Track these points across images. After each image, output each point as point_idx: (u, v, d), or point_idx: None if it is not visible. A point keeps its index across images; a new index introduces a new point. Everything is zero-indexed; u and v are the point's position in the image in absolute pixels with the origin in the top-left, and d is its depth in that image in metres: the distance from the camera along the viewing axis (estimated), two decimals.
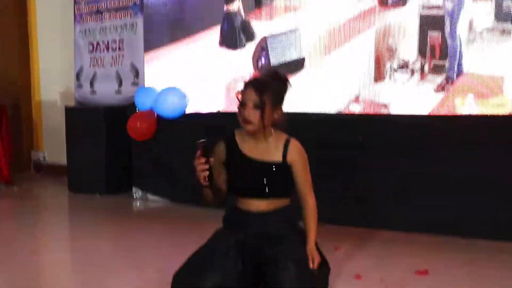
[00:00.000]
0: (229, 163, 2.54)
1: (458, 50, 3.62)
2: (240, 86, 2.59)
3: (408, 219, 3.67)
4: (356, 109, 3.94)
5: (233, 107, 4.18)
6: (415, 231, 3.62)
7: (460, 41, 3.61)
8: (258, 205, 2.59)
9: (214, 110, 4.53)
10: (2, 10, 6.06)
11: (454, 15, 3.61)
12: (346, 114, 3.97)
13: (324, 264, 2.63)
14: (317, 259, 2.55)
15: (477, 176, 3.49)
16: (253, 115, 2.36)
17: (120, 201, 4.85)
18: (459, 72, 3.61)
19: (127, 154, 4.88)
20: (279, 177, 2.52)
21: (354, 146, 3.83)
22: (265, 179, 2.52)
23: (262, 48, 4.35)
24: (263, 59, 4.35)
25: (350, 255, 3.20)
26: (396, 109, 3.82)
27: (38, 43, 6.21)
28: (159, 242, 3.59)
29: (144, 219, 4.44)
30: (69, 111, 5.18)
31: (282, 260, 2.49)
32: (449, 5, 3.62)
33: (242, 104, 2.40)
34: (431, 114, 3.69)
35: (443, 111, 3.66)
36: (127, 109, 4.78)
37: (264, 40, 4.33)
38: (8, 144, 5.60)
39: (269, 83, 2.43)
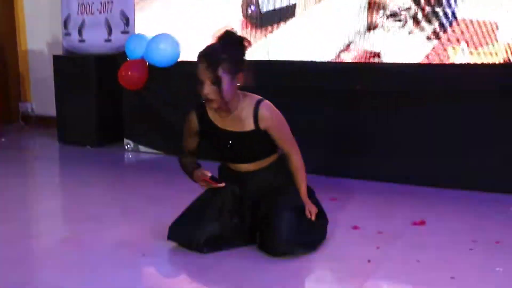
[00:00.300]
0: (203, 133, 2.50)
1: None
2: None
3: (402, 170, 3.63)
4: (348, 57, 3.82)
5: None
6: (410, 183, 3.58)
7: None
8: (247, 167, 2.56)
9: None
10: None
11: None
12: (338, 63, 3.84)
13: (322, 215, 2.60)
14: (313, 210, 2.52)
15: (471, 126, 3.45)
16: (212, 92, 2.26)
17: (111, 152, 4.77)
18: (453, 19, 3.51)
19: (118, 105, 4.76)
20: (256, 143, 2.47)
21: (348, 95, 3.75)
22: (242, 149, 2.47)
23: None
24: (252, 7, 4.18)
25: (346, 206, 3.16)
26: (388, 58, 3.71)
27: None
28: (152, 193, 3.52)
29: (136, 171, 4.38)
30: (57, 60, 5.01)
31: (278, 211, 2.45)
32: None
33: (199, 82, 2.29)
34: (423, 62, 3.59)
35: (435, 60, 3.56)
36: (118, 57, 4.63)
37: None
38: None
39: (222, 53, 2.26)
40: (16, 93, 6.12)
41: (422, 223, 2.86)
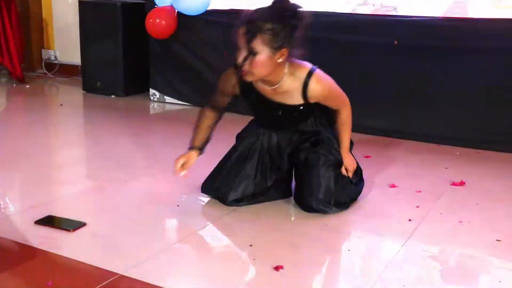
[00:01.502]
0: (245, 97, 2.34)
1: None
2: None
3: (441, 130, 3.52)
4: (365, 12, 3.67)
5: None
6: (448, 143, 3.47)
7: None
8: (287, 130, 2.47)
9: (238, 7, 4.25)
10: None
11: None
12: (359, 14, 3.67)
13: (358, 174, 2.51)
14: (350, 167, 2.42)
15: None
16: (249, 62, 2.02)
17: (137, 102, 4.68)
18: None
19: (145, 54, 4.64)
20: (305, 115, 2.37)
21: (371, 49, 3.60)
22: (290, 120, 2.36)
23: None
24: None
25: (381, 164, 3.06)
26: (406, 12, 3.56)
27: None
28: (179, 143, 3.43)
29: (162, 121, 4.31)
30: (83, 5, 4.87)
31: (314, 166, 2.36)
32: None
33: (238, 48, 2.07)
34: (444, 16, 3.45)
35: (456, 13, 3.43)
36: (146, 4, 4.49)
37: None
38: (20, 42, 5.38)
39: (266, 22, 2.00)
40: (39, 40, 6.01)
41: (462, 183, 2.76)
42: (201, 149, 2.45)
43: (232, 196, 2.41)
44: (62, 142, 3.61)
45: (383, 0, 3.64)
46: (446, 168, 3.05)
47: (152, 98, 4.68)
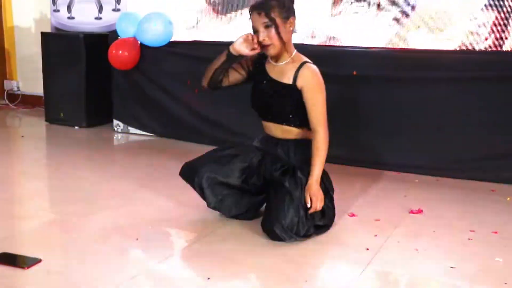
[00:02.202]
0: (254, 79, 2.60)
1: None
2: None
3: (398, 158, 3.59)
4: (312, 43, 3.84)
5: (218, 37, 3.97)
6: (405, 171, 3.55)
7: None
8: (275, 129, 2.57)
9: (200, 39, 4.31)
10: None
11: None
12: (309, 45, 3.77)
13: (328, 208, 2.51)
14: (314, 198, 2.42)
15: (467, 114, 3.42)
16: (268, 35, 2.39)
17: (100, 133, 4.66)
18: (414, 6, 3.62)
19: (108, 85, 4.64)
20: (287, 100, 2.48)
21: (325, 79, 3.68)
22: (273, 99, 2.50)
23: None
24: None
25: (341, 193, 3.08)
26: (351, 43, 3.77)
27: None
28: (141, 176, 3.44)
29: (125, 153, 4.28)
30: (45, 37, 4.85)
31: (285, 197, 2.37)
32: None
33: (255, 32, 2.42)
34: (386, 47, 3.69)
35: (397, 45, 3.69)
36: (109, 36, 4.50)
37: None
38: None
39: (271, 1, 2.39)
40: (1, 70, 5.95)
41: (420, 211, 2.82)
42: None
43: (200, 177, 2.51)
44: (22, 175, 3.55)
45: (329, 32, 3.76)
46: (405, 196, 3.10)
47: (116, 129, 4.67)
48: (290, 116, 2.51)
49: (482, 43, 3.48)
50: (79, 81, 4.68)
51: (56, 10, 5.17)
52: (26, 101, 5.79)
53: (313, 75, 2.46)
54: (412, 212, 2.81)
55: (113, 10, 4.79)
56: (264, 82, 2.54)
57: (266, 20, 2.37)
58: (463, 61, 3.44)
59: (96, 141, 4.45)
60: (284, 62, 2.50)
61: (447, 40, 3.56)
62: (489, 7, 3.44)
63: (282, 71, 2.50)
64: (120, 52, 4.25)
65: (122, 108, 4.59)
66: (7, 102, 5.80)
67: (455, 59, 3.49)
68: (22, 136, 4.58)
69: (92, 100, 4.75)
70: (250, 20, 2.43)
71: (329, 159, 3.56)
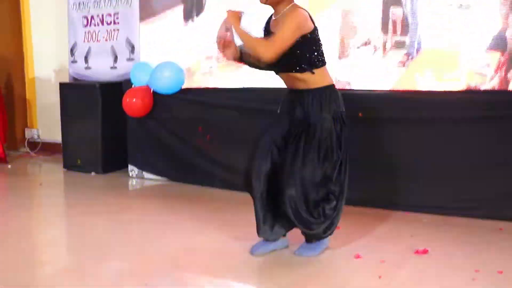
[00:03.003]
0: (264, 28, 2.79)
1: (418, 26, 3.68)
2: None
3: (404, 197, 3.63)
4: None
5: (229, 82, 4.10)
6: (411, 210, 3.59)
7: (419, 17, 3.65)
8: (286, 81, 2.76)
9: (212, 86, 4.45)
10: None
11: None
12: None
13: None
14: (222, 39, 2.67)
15: (471, 152, 3.47)
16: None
17: (116, 179, 4.79)
18: (419, 48, 3.69)
19: (123, 131, 4.79)
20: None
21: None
22: None
23: (227, 29, 4.27)
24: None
25: (349, 234, 3.15)
26: (359, 86, 3.86)
27: (31, 17, 6.05)
28: (155, 220, 3.53)
29: (139, 198, 4.38)
30: (63, 87, 5.07)
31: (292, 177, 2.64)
32: None
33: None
34: (393, 89, 3.76)
35: (404, 87, 3.75)
36: (123, 85, 4.68)
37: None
38: (3, 122, 5.52)
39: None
40: (22, 119, 6.18)
41: (425, 251, 2.85)
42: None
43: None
44: (40, 223, 3.67)
45: (337, 75, 3.85)
46: (411, 236, 3.13)
47: (131, 174, 4.79)
48: (288, 62, 2.63)
49: (488, 83, 3.52)
50: (95, 128, 4.85)
51: (74, 61, 5.39)
52: (46, 149, 5.98)
53: (292, 9, 2.61)
54: (417, 252, 2.84)
55: (128, 59, 4.98)
56: (269, 32, 2.70)
57: None
58: (468, 101, 3.49)
59: (112, 187, 4.57)
60: (280, 15, 2.65)
61: (453, 81, 3.61)
62: (493, 47, 3.51)
63: (278, 22, 2.64)
64: (134, 100, 4.41)
65: (137, 154, 4.73)
66: (28, 150, 5.99)
67: (460, 100, 3.54)
68: (40, 184, 4.73)
69: (108, 146, 4.90)
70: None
71: None
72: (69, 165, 5.07)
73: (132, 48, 4.95)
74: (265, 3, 2.67)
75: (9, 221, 3.55)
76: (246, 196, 3.99)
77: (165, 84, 4.35)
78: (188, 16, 4.57)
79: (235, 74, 4.33)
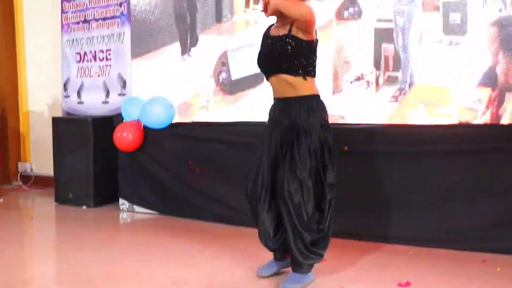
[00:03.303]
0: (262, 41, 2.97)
1: (410, 62, 3.77)
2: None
3: (386, 229, 3.67)
4: None
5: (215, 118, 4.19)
6: (394, 242, 3.63)
7: (411, 53, 3.76)
8: (277, 86, 2.87)
9: (202, 120, 4.53)
10: None
11: (405, 28, 3.76)
12: None
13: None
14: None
15: (454, 184, 3.52)
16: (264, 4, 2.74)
17: (107, 212, 4.82)
18: (411, 83, 3.77)
19: (114, 165, 4.85)
20: (281, 47, 2.79)
21: None
22: (272, 49, 2.83)
23: (223, 63, 4.43)
24: (223, 74, 4.45)
25: (334, 266, 3.18)
26: (353, 120, 3.93)
27: (26, 53, 6.18)
28: (145, 253, 3.56)
29: (130, 231, 4.40)
30: (56, 121, 5.15)
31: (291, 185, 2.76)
32: (400, 19, 3.77)
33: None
34: (384, 123, 3.83)
35: (396, 121, 3.82)
36: (114, 119, 4.76)
37: (225, 54, 4.40)
38: None
39: None
40: (16, 153, 6.24)
41: (408, 284, 2.88)
42: None
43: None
44: (29, 258, 3.68)
45: (331, 110, 3.92)
46: (396, 268, 3.16)
47: (121, 208, 4.83)
48: (285, 61, 2.77)
49: (479, 118, 3.56)
50: (87, 162, 4.91)
51: (67, 96, 5.48)
52: (39, 182, 6.02)
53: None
54: (400, 285, 2.87)
55: (119, 94, 5.08)
56: (268, 41, 2.88)
57: None
58: (454, 135, 3.55)
59: (103, 221, 4.60)
60: (283, 23, 2.82)
61: (445, 116, 3.66)
62: (483, 83, 3.56)
63: (280, 30, 2.84)
64: (125, 134, 4.48)
65: (128, 187, 4.77)
66: (20, 183, 6.03)
67: (445, 134, 3.59)
68: (31, 218, 4.76)
69: (99, 180, 4.95)
70: None
71: None
72: (61, 199, 5.10)
73: (124, 84, 5.04)
74: (270, 15, 2.80)
75: None
76: (236, 229, 4.05)
77: (155, 118, 4.43)
78: (183, 51, 4.68)
79: (231, 108, 4.40)
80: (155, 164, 4.60)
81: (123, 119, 4.62)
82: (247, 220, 4.06)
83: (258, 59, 2.96)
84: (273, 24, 2.96)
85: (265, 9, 2.76)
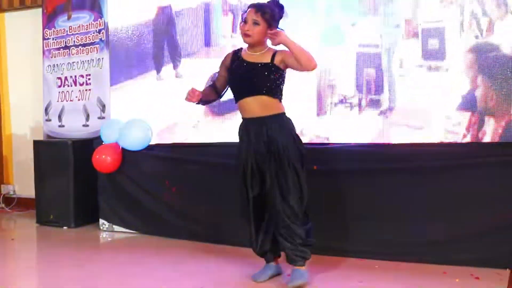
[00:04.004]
0: (231, 69, 3.25)
1: (392, 85, 3.86)
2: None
3: (355, 244, 3.83)
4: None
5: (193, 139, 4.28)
6: (350, 256, 3.80)
7: (393, 77, 3.85)
8: (251, 104, 3.16)
9: (178, 141, 4.66)
10: None
11: (388, 53, 3.88)
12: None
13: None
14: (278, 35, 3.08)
15: (411, 199, 3.70)
16: (251, 29, 3.11)
17: (87, 232, 4.94)
18: (393, 106, 3.87)
19: (94, 186, 4.97)
20: (263, 72, 3.12)
21: None
22: (251, 74, 3.15)
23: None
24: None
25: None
26: (337, 141, 4.05)
27: (8, 77, 6.32)
28: (123, 271, 3.67)
29: (109, 250, 4.51)
30: (37, 144, 5.27)
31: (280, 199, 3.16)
32: (383, 43, 3.89)
33: (244, 22, 3.13)
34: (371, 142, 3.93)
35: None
36: (94, 142, 4.90)
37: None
38: None
39: (267, 7, 3.13)
40: None
41: None
42: (201, 100, 3.30)
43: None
44: (7, 277, 3.78)
45: (316, 131, 4.11)
46: (360, 282, 3.31)
47: (101, 227, 4.95)
48: (266, 85, 3.12)
49: (460, 141, 3.66)
50: (67, 184, 5.03)
51: (48, 120, 5.62)
52: (21, 204, 6.13)
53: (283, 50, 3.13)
54: None
55: (99, 117, 5.23)
56: (244, 65, 3.18)
57: (257, 19, 3.08)
58: (418, 153, 3.72)
59: (83, 241, 4.71)
60: (260, 52, 3.17)
61: (426, 138, 3.75)
62: (463, 107, 3.64)
63: (259, 58, 3.17)
64: (103, 156, 4.62)
65: (107, 208, 4.90)
66: (3, 205, 6.13)
67: (407, 151, 3.79)
68: (12, 239, 4.86)
69: (80, 201, 5.07)
70: (245, 11, 3.14)
71: None
72: (42, 220, 5.21)
73: (103, 107, 5.20)
74: (249, 42, 3.15)
75: None
76: (211, 246, 4.20)
77: (132, 141, 4.58)
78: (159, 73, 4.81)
79: (220, 128, 4.47)
80: (132, 185, 4.74)
81: (102, 141, 4.76)
82: (223, 237, 4.25)
83: (233, 81, 3.23)
84: (241, 48, 3.27)
85: (250, 37, 3.13)
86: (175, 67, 4.70)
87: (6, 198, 6.23)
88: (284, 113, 3.24)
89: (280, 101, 3.23)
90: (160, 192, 4.61)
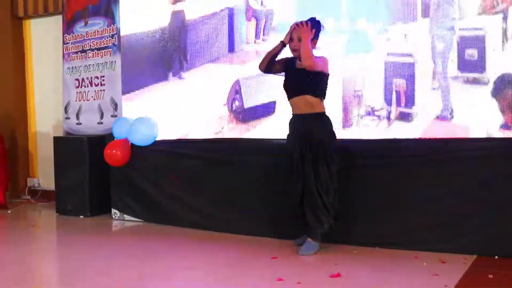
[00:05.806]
0: (286, 69, 3.93)
1: (424, 97, 3.82)
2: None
3: (344, 232, 4.12)
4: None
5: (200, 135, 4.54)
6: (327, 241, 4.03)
7: (425, 88, 3.82)
8: (298, 103, 3.79)
9: (184, 137, 5.06)
10: (1, 49, 6.73)
11: (420, 62, 3.83)
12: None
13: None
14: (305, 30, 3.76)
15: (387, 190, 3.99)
16: (298, 45, 3.75)
17: (101, 221, 5.39)
18: (425, 119, 3.84)
19: (107, 179, 5.41)
20: (307, 77, 3.74)
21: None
22: (298, 76, 3.79)
23: (236, 91, 4.72)
24: (237, 102, 4.73)
25: (282, 263, 3.67)
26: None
27: (34, 80, 6.85)
28: (132, 254, 4.05)
29: (120, 237, 4.92)
30: (57, 140, 5.75)
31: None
32: (416, 53, 3.84)
33: (291, 39, 3.82)
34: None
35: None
36: (106, 138, 5.33)
37: (237, 82, 4.68)
38: (5, 171, 6.18)
39: (312, 26, 3.74)
40: (25, 169, 6.86)
41: (338, 275, 3.35)
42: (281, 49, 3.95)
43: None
44: (27, 257, 4.22)
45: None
46: (336, 264, 3.63)
47: (114, 216, 5.39)
48: (310, 87, 3.73)
49: None
50: (83, 177, 5.49)
51: (68, 118, 6.09)
52: (45, 196, 6.63)
53: (322, 57, 3.79)
54: (331, 276, 3.35)
55: (112, 116, 5.66)
56: (295, 69, 3.84)
57: (299, 36, 3.73)
58: (405, 148, 3.94)
59: (97, 228, 5.15)
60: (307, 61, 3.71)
61: None
62: (506, 127, 3.59)
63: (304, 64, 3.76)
64: (114, 151, 5.05)
65: (118, 199, 5.34)
66: (28, 197, 6.64)
67: (380, 148, 4.03)
68: (33, 226, 5.34)
69: (94, 192, 5.53)
70: (292, 30, 3.79)
71: (276, 234, 4.23)
72: (61, 210, 5.68)
73: (116, 106, 5.63)
74: (297, 56, 3.81)
75: (2, 256, 4.10)
76: (208, 233, 4.57)
77: (140, 137, 4.99)
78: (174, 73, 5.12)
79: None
80: (141, 177, 5.15)
81: (114, 137, 5.19)
82: (219, 225, 4.63)
83: (288, 81, 3.88)
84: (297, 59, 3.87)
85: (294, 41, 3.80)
86: (192, 72, 4.98)
87: (32, 190, 6.74)
88: (325, 113, 3.80)
89: (322, 100, 3.78)
90: (165, 185, 5.01)
